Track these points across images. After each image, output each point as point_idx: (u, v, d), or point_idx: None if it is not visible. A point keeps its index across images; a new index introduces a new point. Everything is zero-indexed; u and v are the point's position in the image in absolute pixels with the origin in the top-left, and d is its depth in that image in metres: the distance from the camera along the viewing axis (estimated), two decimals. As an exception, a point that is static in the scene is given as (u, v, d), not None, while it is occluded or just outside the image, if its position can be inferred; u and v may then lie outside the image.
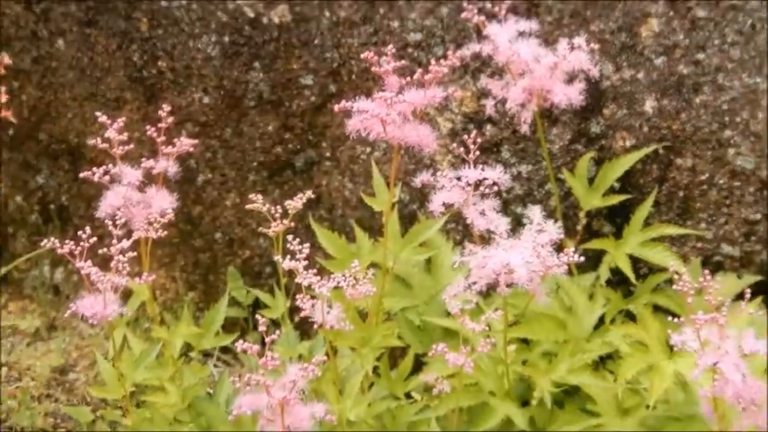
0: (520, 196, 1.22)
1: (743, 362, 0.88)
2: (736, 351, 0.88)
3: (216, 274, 1.38)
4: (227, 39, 1.25)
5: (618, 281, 1.17)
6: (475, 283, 0.95)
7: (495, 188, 0.95)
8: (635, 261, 1.18)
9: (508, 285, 0.94)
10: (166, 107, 1.00)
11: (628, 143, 1.20)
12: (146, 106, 1.32)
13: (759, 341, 0.88)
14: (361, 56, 0.89)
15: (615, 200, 1.20)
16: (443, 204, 0.97)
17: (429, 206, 0.95)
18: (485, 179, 0.95)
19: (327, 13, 1.23)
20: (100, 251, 0.89)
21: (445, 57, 0.94)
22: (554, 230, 0.95)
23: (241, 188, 1.32)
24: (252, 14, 1.23)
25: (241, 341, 0.83)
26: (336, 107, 0.89)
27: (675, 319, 0.89)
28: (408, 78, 0.90)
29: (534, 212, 0.98)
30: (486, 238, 0.96)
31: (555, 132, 1.21)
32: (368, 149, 1.25)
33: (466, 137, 0.96)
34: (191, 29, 1.25)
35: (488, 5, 1.14)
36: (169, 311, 1.41)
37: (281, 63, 1.25)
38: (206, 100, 1.29)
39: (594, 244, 1.19)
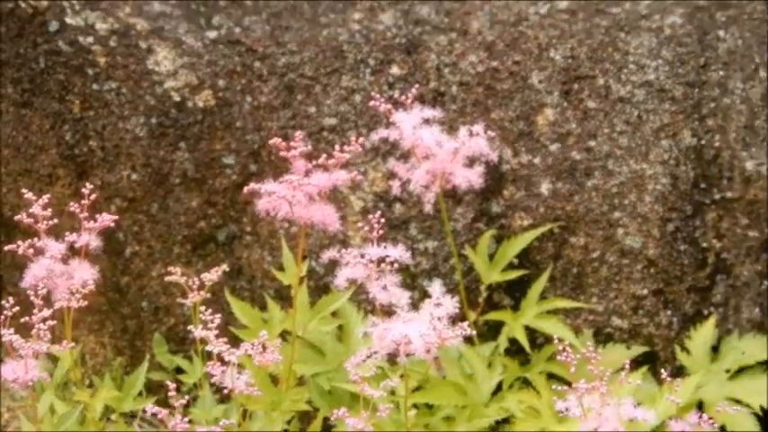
0: (426, 270, 1.29)
1: (621, 427, 0.95)
2: (615, 417, 0.95)
3: (142, 339, 1.42)
4: (154, 120, 1.31)
5: (516, 350, 1.24)
6: (376, 352, 1.02)
7: (397, 265, 1.02)
8: (531, 332, 1.25)
9: (407, 355, 1.01)
10: (89, 185, 1.05)
11: (525, 222, 1.28)
12: (77, 182, 1.37)
13: (637, 408, 0.95)
14: (269, 142, 0.96)
15: (514, 275, 1.27)
16: (347, 279, 1.03)
17: (335, 281, 1.01)
18: (387, 256, 1.03)
19: (249, 99, 1.30)
20: (22, 320, 0.93)
21: (349, 143, 1.01)
22: (450, 305, 1.02)
23: (166, 260, 1.36)
24: (178, 98, 1.30)
25: (151, 405, 0.87)
26: (245, 189, 0.95)
27: (564, 387, 0.96)
28: (314, 162, 0.97)
29: (434, 287, 1.05)
30: (389, 312, 1.03)
31: (459, 211, 1.29)
32: (286, 225, 1.31)
33: (370, 216, 1.03)
34: (120, 111, 1.31)
35: (396, 94, 1.23)
36: (98, 375, 1.45)
37: (205, 144, 1.32)
38: (134, 177, 1.34)
39: (494, 316, 1.26)
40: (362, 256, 1.03)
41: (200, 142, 1.32)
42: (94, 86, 1.33)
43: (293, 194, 0.98)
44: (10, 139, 1.40)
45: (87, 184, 1.05)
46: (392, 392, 1.08)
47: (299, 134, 0.99)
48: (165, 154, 1.33)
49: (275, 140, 0.99)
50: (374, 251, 1.04)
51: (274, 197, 0.99)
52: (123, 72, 1.32)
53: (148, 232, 1.38)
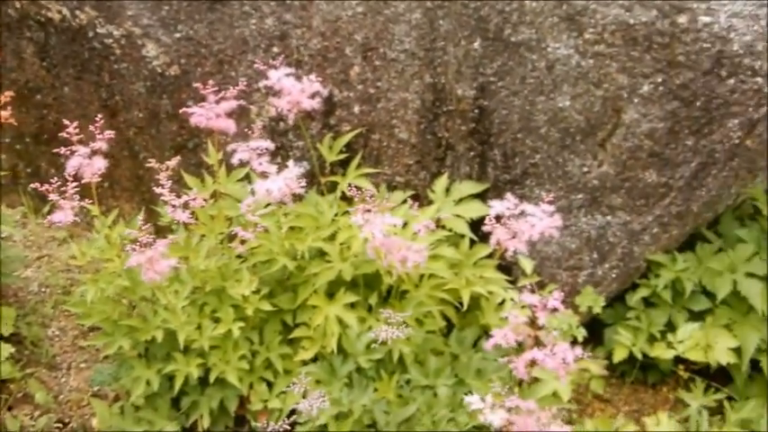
0: (297, 157, 2.26)
1: (383, 229, 1.92)
2: (381, 223, 1.92)
3: (153, 203, 2.42)
4: (149, 83, 2.29)
5: (343, 197, 2.22)
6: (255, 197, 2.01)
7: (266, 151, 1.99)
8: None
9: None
10: (109, 121, 2.04)
11: (348, 127, 2.21)
12: (110, 120, 2.35)
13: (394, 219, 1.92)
14: (201, 91, 1.95)
15: (342, 156, 2.20)
16: (239, 159, 2.00)
17: (231, 160, 1.98)
18: (262, 147, 2.00)
19: (198, 69, 2.28)
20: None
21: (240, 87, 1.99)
22: (296, 171, 1.97)
23: (161, 158, 2.35)
24: (160, 71, 2.28)
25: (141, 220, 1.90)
26: (182, 111, 1.95)
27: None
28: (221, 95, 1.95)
29: (290, 164, 2.01)
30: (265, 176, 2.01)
31: (313, 124, 2.24)
32: (224, 136, 2.30)
33: (255, 128, 2.00)
34: (130, 79, 2.29)
35: (276, 62, 2.19)
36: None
37: (177, 95, 2.30)
38: (140, 115, 2.32)
39: (332, 178, 2.20)
40: (248, 146, 2.02)
41: (173, 94, 2.30)
42: (115, 66, 2.31)
43: (208, 114, 1.96)
44: (71, 99, 2.40)
45: (103, 122, 2.04)
46: (277, 220, 2.07)
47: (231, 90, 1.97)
48: (156, 101, 2.32)
49: (203, 89, 1.96)
50: (254, 144, 2.01)
51: (198, 115, 1.97)
52: (129, 57, 2.29)
53: (150, 144, 2.38)
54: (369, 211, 1.79)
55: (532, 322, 1.80)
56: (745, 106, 1.92)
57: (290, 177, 1.88)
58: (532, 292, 2.04)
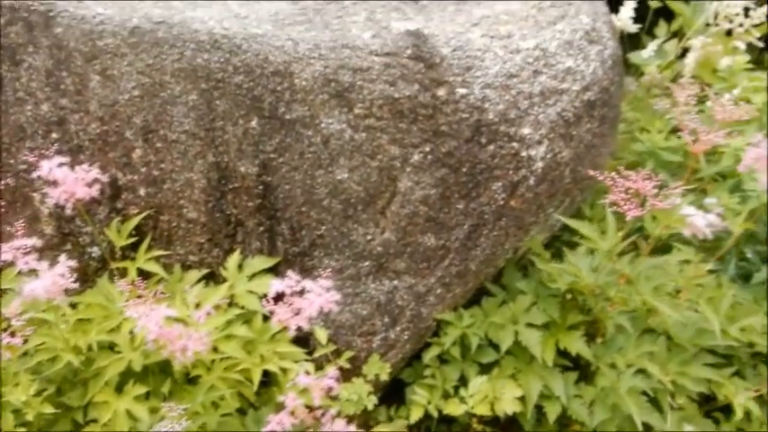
0: (88, 243, 2.18)
1: (160, 321, 1.88)
2: (157, 315, 1.88)
3: None
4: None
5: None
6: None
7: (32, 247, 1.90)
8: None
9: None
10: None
11: (136, 210, 2.16)
12: None
13: (169, 310, 1.87)
14: None
15: (131, 240, 2.16)
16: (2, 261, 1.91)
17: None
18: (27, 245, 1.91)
19: None
20: None
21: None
22: (66, 266, 1.87)
23: None
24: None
25: None
26: None
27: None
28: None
29: (62, 258, 1.90)
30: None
31: (100, 209, 2.16)
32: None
33: (44, 209, 1.90)
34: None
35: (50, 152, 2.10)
36: None
37: None
38: None
39: (121, 264, 2.15)
40: (12, 246, 1.91)
41: None
42: None
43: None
44: None
45: None
46: (62, 314, 1.97)
47: None
48: None
49: None
50: (17, 243, 1.91)
51: None
52: None
53: None
54: (145, 302, 1.75)
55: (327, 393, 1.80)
56: (506, 170, 2.01)
57: (59, 274, 1.80)
58: (328, 361, 2.03)
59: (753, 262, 2.46)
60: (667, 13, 3.67)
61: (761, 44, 3.22)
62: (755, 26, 3.17)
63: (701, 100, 2.99)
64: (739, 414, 1.96)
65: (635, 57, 3.51)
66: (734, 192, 2.47)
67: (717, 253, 2.26)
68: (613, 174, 1.79)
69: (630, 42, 3.66)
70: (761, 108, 2.58)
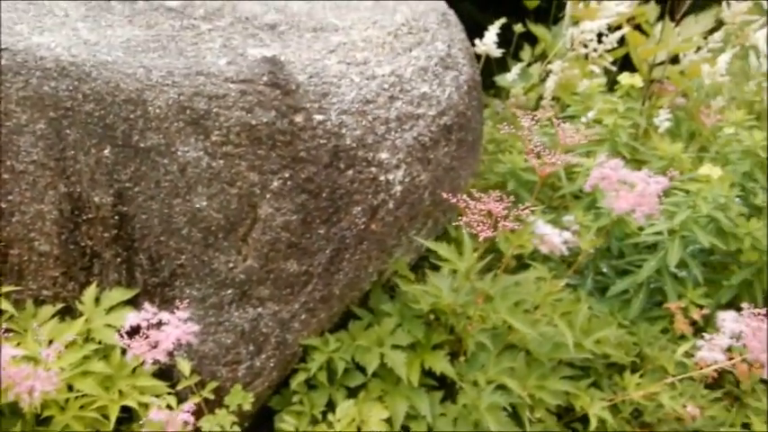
0: None
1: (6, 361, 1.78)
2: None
3: None
4: None
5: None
6: None
7: None
8: None
9: None
10: None
11: None
12: None
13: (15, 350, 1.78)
14: None
15: None
16: None
17: None
18: None
19: None
20: None
21: None
22: None
23: None
24: None
25: None
26: None
27: None
28: None
29: None
30: None
31: None
32: None
33: None
34: None
35: None
36: None
37: None
38: None
39: None
40: None
41: None
42: None
43: None
44: None
45: None
46: None
47: None
48: None
49: None
50: None
51: None
52: None
53: None
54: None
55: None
56: (365, 194, 2.02)
57: None
58: (192, 393, 1.98)
59: (608, 276, 2.57)
60: (533, 38, 3.82)
61: (614, 68, 3.39)
62: (608, 51, 3.33)
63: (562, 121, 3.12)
64: (594, 424, 2.04)
65: (501, 79, 3.64)
66: (589, 209, 2.57)
67: (576, 264, 2.35)
68: (466, 196, 1.83)
69: (499, 66, 3.79)
70: (611, 129, 2.71)
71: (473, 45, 3.38)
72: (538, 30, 3.71)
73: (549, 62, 3.52)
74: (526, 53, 3.87)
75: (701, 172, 2.30)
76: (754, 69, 3.21)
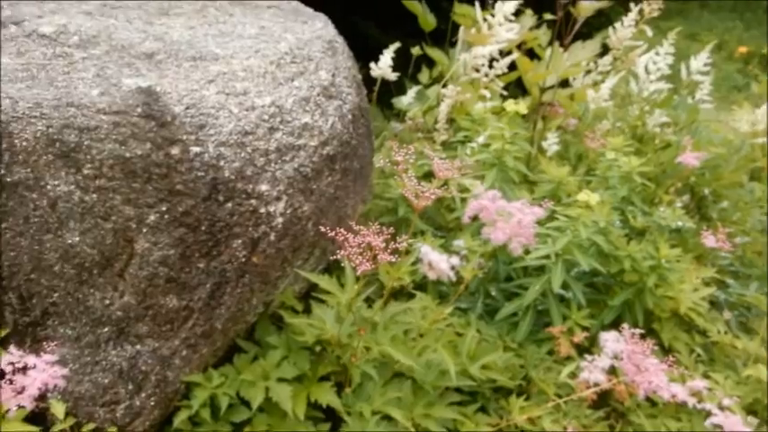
0: None
1: None
2: None
3: None
4: None
5: None
6: None
7: None
8: None
9: None
10: None
11: None
12: None
13: None
14: None
15: None
16: None
17: None
18: None
19: None
20: None
21: None
22: None
23: None
24: None
25: None
26: None
27: None
28: None
29: None
30: None
31: None
32: None
33: None
34: None
35: None
36: None
37: None
38: None
39: None
40: None
41: None
42: None
43: None
44: None
45: None
46: None
47: None
48: None
49: None
50: None
51: None
52: None
53: None
54: None
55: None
56: (246, 227, 1.98)
57: None
58: (67, 436, 1.89)
59: (497, 299, 2.61)
60: (431, 60, 3.86)
61: (505, 92, 3.45)
62: (500, 75, 3.39)
63: (454, 145, 3.14)
64: (478, 450, 2.05)
65: (397, 102, 3.66)
66: (477, 233, 2.60)
67: (459, 293, 2.37)
68: (344, 230, 1.81)
69: (398, 87, 3.82)
70: (498, 155, 2.75)
71: (369, 69, 3.39)
72: (434, 53, 3.75)
73: (443, 85, 3.56)
74: (424, 75, 3.91)
75: (580, 198, 2.36)
76: (635, 94, 3.33)
